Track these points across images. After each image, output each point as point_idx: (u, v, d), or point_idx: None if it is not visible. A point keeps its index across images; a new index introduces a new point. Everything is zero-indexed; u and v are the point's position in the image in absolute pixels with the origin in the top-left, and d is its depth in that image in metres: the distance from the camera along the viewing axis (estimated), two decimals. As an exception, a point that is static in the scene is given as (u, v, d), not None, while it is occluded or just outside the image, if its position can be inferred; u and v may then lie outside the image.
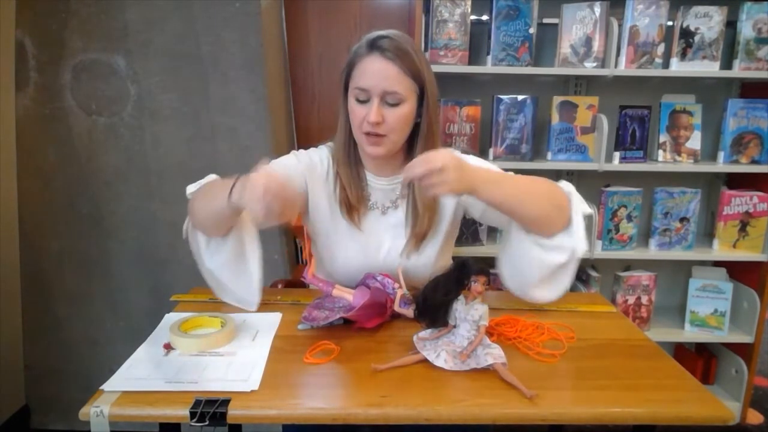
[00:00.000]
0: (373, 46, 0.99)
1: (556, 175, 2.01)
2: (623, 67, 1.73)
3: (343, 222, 1.10)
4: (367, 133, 1.01)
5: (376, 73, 0.98)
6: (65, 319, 1.82)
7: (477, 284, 0.81)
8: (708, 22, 1.72)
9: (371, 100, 0.99)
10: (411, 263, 1.09)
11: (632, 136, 1.80)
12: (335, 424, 0.70)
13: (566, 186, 1.01)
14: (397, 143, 1.05)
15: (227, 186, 0.88)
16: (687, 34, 1.73)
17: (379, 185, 1.11)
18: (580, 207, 0.98)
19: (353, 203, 1.08)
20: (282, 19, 1.94)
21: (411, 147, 1.09)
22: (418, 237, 1.08)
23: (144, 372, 0.79)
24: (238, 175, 0.87)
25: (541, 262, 0.98)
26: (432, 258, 1.10)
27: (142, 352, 0.85)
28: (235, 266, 1.02)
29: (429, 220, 1.08)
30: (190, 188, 1.03)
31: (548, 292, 1.01)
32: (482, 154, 1.81)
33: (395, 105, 1.00)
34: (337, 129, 1.11)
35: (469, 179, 0.88)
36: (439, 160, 0.84)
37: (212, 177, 1.05)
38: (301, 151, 1.15)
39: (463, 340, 0.83)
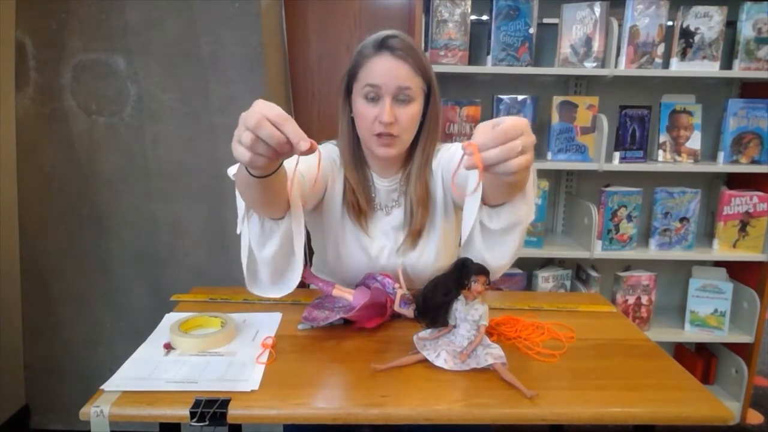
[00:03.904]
0: (382, 45, 0.97)
1: (556, 174, 2.01)
2: (623, 67, 1.73)
3: (350, 222, 1.09)
4: (379, 135, 0.99)
5: (388, 71, 0.96)
6: (65, 319, 1.82)
7: (477, 284, 0.81)
8: (708, 22, 1.72)
9: (382, 100, 0.97)
10: (409, 262, 1.08)
11: (632, 136, 1.80)
12: (335, 424, 0.70)
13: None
14: (408, 142, 1.03)
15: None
16: (687, 34, 1.74)
17: (383, 185, 1.11)
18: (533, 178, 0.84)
19: (363, 207, 1.08)
20: (282, 18, 1.94)
21: (413, 145, 1.07)
22: (414, 234, 1.07)
23: (144, 372, 0.79)
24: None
25: (486, 229, 0.85)
26: (431, 257, 1.08)
27: (142, 352, 0.85)
28: (288, 249, 0.89)
29: (422, 216, 1.06)
30: (231, 170, 0.87)
31: (495, 259, 0.86)
32: (482, 154, 1.81)
33: (406, 104, 0.98)
34: (339, 133, 1.09)
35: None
36: (516, 127, 0.63)
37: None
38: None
39: (463, 340, 0.83)
